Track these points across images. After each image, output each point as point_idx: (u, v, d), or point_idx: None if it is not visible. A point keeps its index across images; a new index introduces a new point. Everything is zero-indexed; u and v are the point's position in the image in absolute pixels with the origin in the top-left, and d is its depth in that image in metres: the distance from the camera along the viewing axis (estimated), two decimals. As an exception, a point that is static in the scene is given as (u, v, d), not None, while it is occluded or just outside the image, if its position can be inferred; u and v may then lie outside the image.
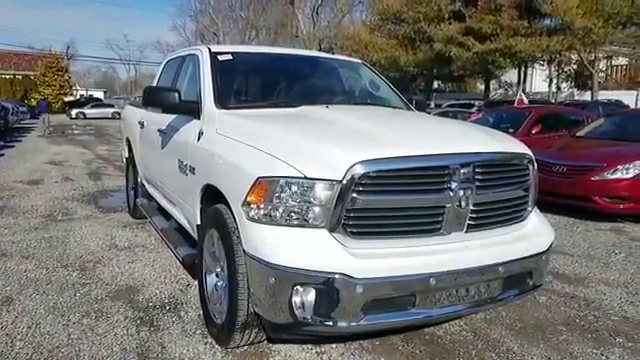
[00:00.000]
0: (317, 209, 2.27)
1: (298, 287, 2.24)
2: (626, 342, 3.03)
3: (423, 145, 2.47)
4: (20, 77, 38.00)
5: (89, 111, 36.56)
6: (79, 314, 3.22)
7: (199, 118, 3.26)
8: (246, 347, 2.79)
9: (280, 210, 2.30)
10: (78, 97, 46.74)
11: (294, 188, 2.28)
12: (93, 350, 2.76)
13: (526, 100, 10.18)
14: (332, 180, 2.24)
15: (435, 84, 32.18)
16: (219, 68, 3.50)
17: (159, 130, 3.95)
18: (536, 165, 2.84)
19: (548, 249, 2.78)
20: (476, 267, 2.44)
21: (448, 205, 2.41)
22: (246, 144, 2.62)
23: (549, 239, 2.81)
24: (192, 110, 3.31)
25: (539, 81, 28.88)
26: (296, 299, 2.25)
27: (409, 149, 2.39)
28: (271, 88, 3.72)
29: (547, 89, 27.88)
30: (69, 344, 2.82)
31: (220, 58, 3.60)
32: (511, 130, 9.20)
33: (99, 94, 55.48)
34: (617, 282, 4.09)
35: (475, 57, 19.48)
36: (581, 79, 25.79)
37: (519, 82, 22.92)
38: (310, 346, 2.85)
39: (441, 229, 2.44)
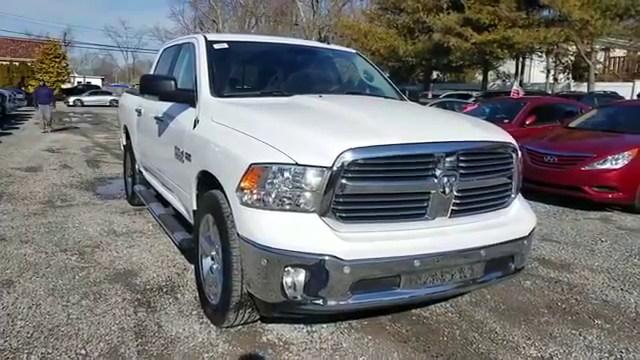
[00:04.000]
0: (308, 194, 2.37)
1: (289, 268, 2.35)
2: (604, 324, 3.16)
3: (410, 134, 2.57)
4: (17, 64, 37.81)
5: (87, 99, 36.46)
6: (78, 296, 3.33)
7: (195, 106, 3.35)
8: (240, 327, 2.91)
9: (272, 195, 2.40)
10: (76, 84, 46.57)
11: (286, 174, 2.38)
12: (92, 329, 2.87)
13: (522, 91, 10.26)
14: (322, 167, 2.34)
15: (434, 74, 32.17)
16: (215, 57, 3.58)
17: (156, 118, 4.03)
18: (520, 154, 2.94)
19: (529, 234, 2.89)
20: (459, 250, 2.56)
21: (433, 191, 2.52)
22: (240, 132, 2.72)
23: (531, 225, 2.92)
24: (188, 98, 3.40)
25: (537, 72, 28.94)
26: (287, 279, 2.36)
27: (397, 138, 2.49)
28: (265, 77, 3.80)
29: (545, 80, 27.94)
30: (69, 323, 2.93)
31: (216, 47, 3.68)
32: (506, 121, 9.31)
33: (97, 81, 55.21)
34: (601, 268, 4.22)
35: (473, 48, 19.51)
36: (578, 71, 25.86)
37: (517, 73, 22.99)
38: (302, 325, 2.97)
39: (426, 214, 2.55)
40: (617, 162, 6.28)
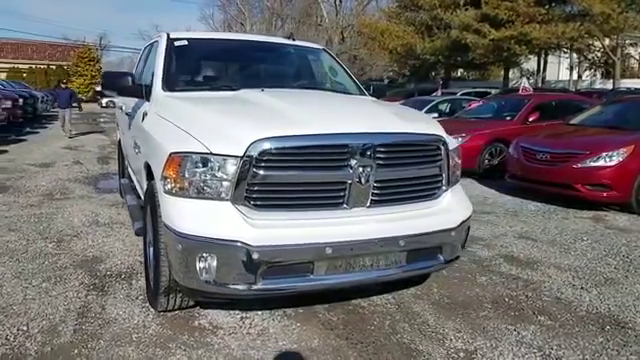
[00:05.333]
0: (221, 183, 2.47)
1: (203, 254, 2.46)
2: (546, 320, 3.13)
3: (327, 125, 2.63)
4: (54, 67, 39.46)
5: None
6: (41, 279, 3.54)
7: (149, 100, 3.50)
8: (178, 312, 3.04)
9: (189, 183, 2.51)
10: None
11: (202, 163, 2.48)
12: (41, 308, 3.06)
13: (531, 89, 10.04)
14: (234, 156, 2.43)
15: (458, 72, 31.69)
16: (173, 53, 3.73)
17: (127, 113, 4.22)
18: (452, 147, 2.96)
19: (459, 226, 2.89)
20: (374, 239, 2.60)
21: (349, 181, 2.57)
22: (172, 123, 2.85)
23: (461, 217, 2.93)
24: (143, 93, 3.56)
25: (562, 69, 28.07)
26: (200, 265, 2.47)
27: (312, 128, 2.56)
28: (218, 72, 3.94)
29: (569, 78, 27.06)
30: (22, 303, 3.13)
31: (176, 44, 3.83)
32: (508, 118, 9.18)
33: (131, 83, 56.65)
34: (569, 266, 4.14)
35: (491, 44, 19.11)
36: (605, 67, 24.90)
37: (538, 70, 22.38)
38: (237, 312, 3.07)
39: (344, 203, 2.61)
40: (611, 159, 6.09)
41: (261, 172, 2.46)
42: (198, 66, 3.99)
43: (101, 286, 3.45)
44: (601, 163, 6.11)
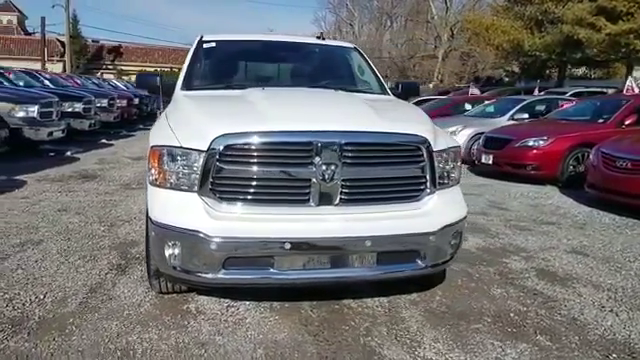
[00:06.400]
0: (190, 175, 2.63)
1: (170, 241, 2.63)
2: (544, 341, 2.84)
3: (294, 122, 2.66)
4: (177, 70, 43.22)
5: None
6: (77, 257, 3.99)
7: (172, 99, 3.79)
8: (175, 295, 3.26)
9: (164, 175, 2.70)
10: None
11: (174, 156, 2.66)
12: (63, 282, 3.46)
13: (637, 89, 8.88)
14: (200, 150, 2.58)
15: (580, 71, 28.94)
16: (200, 54, 3.99)
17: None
18: (439, 147, 2.81)
19: (439, 230, 2.73)
20: (337, 237, 2.58)
21: (313, 179, 2.58)
22: (168, 119, 3.07)
23: (444, 221, 2.77)
24: (169, 92, 3.85)
25: None
26: (168, 252, 2.65)
27: (278, 125, 2.61)
28: (236, 71, 4.11)
29: None
30: (52, 275, 3.57)
31: (205, 46, 4.09)
32: (600, 120, 8.30)
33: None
34: (609, 287, 3.69)
35: (607, 39, 17.13)
36: None
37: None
38: (227, 300, 3.20)
39: (309, 200, 2.62)
40: None
41: (226, 166, 2.57)
42: (219, 66, 4.20)
43: (124, 267, 3.81)
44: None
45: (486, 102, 13.19)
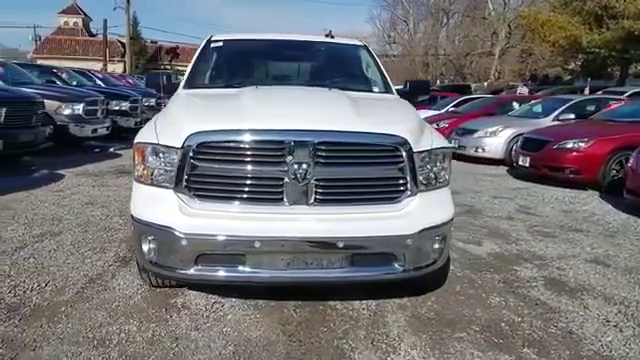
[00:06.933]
0: (165, 171, 2.69)
1: (145, 236, 2.70)
2: (530, 354, 2.69)
3: (270, 120, 2.66)
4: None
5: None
6: (88, 248, 4.18)
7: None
8: (167, 289, 3.34)
9: (144, 171, 2.78)
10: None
11: (153, 153, 2.73)
12: (67, 272, 3.63)
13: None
14: (174, 147, 2.63)
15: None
16: (206, 54, 4.07)
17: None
18: (420, 148, 2.71)
19: (417, 234, 2.64)
20: (308, 237, 2.56)
21: (285, 178, 2.57)
22: (156, 117, 3.14)
23: (423, 223, 2.67)
24: (173, 91, 3.95)
25: None
26: (145, 246, 2.72)
27: (252, 123, 2.62)
28: (238, 70, 4.13)
29: None
30: (59, 265, 3.76)
31: (212, 45, 4.16)
32: (647, 123, 7.74)
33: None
34: (622, 300, 3.44)
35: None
36: None
37: None
38: (214, 296, 3.25)
39: (282, 200, 2.61)
40: None
41: (200, 163, 2.61)
42: (222, 65, 4.25)
43: (128, 259, 3.95)
44: None
45: (532, 102, 12.63)
